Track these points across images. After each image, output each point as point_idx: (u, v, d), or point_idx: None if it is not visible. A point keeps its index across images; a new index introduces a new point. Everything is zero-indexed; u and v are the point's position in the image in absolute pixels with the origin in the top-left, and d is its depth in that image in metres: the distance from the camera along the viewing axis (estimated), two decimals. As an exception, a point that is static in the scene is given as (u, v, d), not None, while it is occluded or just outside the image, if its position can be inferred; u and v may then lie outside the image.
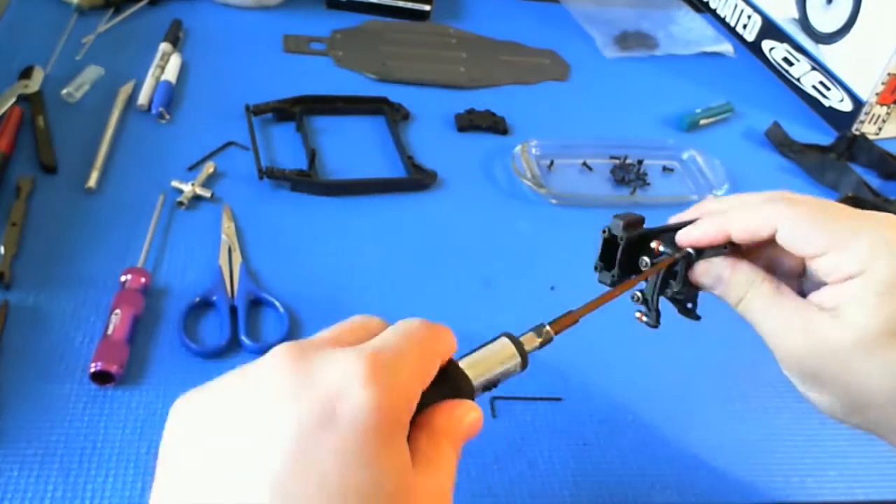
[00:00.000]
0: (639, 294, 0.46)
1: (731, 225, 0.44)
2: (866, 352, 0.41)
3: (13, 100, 0.75)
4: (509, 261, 0.70)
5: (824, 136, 0.96)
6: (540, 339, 0.40)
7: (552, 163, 0.82)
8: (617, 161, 0.83)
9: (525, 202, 0.77)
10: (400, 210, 0.73)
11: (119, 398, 0.53)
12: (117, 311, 0.56)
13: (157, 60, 0.84)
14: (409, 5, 1.03)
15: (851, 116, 0.95)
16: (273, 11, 1.00)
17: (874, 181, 0.89)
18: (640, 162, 0.83)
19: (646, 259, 0.45)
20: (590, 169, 0.83)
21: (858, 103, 0.94)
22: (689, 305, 0.47)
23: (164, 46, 0.86)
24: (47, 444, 0.50)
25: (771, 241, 0.44)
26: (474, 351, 0.38)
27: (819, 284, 0.43)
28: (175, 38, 0.89)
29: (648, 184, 0.82)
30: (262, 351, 0.58)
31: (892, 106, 0.94)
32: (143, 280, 0.59)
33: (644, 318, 0.46)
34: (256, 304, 0.61)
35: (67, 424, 0.51)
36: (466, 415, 0.35)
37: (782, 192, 0.45)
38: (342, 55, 0.94)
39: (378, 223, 0.71)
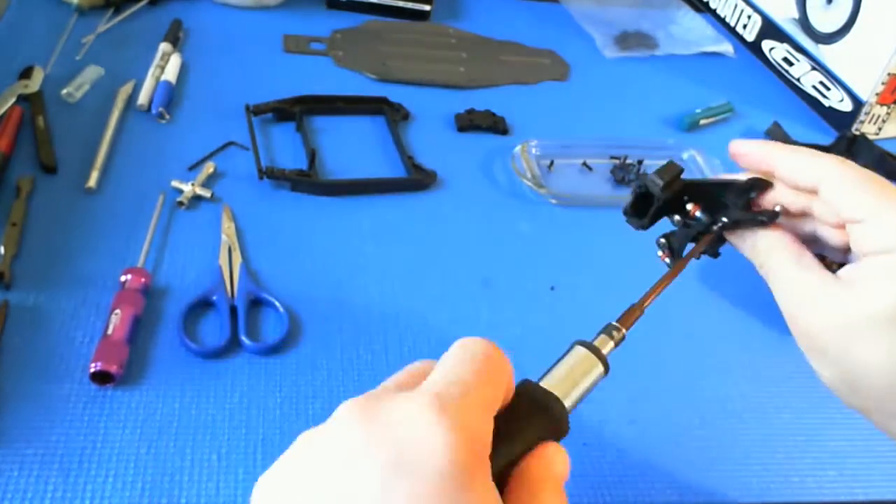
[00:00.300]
0: (663, 241, 0.46)
1: (777, 161, 0.43)
2: (876, 329, 0.39)
3: (13, 100, 0.75)
4: (509, 261, 0.70)
5: (824, 136, 0.96)
6: (613, 341, 0.39)
7: (552, 163, 0.82)
8: (617, 161, 0.83)
9: (525, 202, 0.77)
10: (400, 210, 0.73)
11: (119, 398, 0.53)
12: (117, 311, 0.56)
13: (157, 60, 0.84)
14: (409, 5, 1.03)
15: (851, 116, 0.95)
16: (273, 11, 1.00)
17: (874, 181, 0.89)
18: (640, 162, 0.83)
19: (677, 217, 0.45)
20: (590, 169, 0.83)
21: (858, 103, 0.94)
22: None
23: (164, 46, 0.86)
24: (47, 444, 0.50)
25: (807, 203, 0.43)
26: (551, 369, 0.37)
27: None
28: (175, 38, 0.89)
29: (648, 184, 0.82)
30: (262, 351, 0.58)
31: (892, 106, 0.94)
32: (143, 280, 0.59)
33: (667, 259, 0.46)
34: (256, 304, 0.61)
35: (67, 424, 0.51)
36: (561, 457, 0.33)
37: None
38: (342, 55, 0.94)
39: (378, 223, 0.71)
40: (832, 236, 0.43)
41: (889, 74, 0.91)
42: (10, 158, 0.69)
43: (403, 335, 0.61)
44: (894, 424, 0.42)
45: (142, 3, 0.94)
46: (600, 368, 0.37)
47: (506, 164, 0.80)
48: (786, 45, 1.05)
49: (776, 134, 0.92)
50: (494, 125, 0.85)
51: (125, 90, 0.80)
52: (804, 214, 0.44)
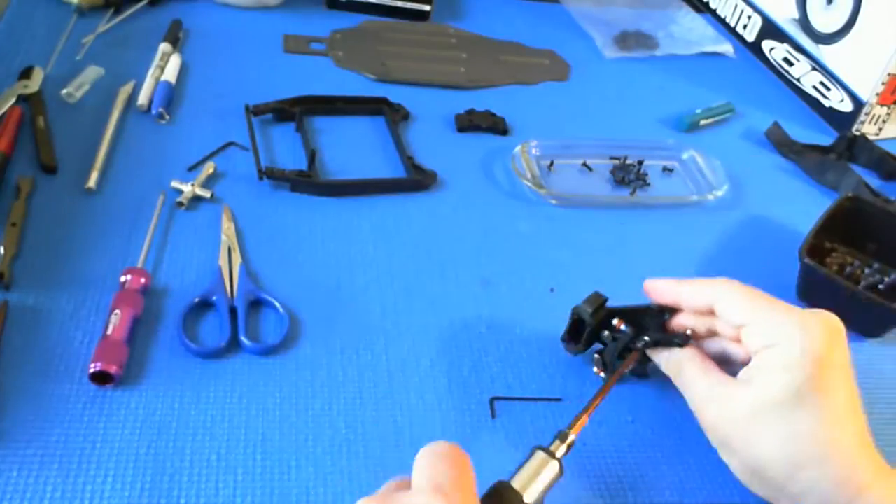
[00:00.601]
0: (597, 356, 0.58)
1: (680, 294, 0.54)
2: (767, 417, 0.46)
3: (13, 100, 0.75)
4: (509, 261, 0.70)
5: (824, 137, 0.96)
6: (566, 444, 0.47)
7: (552, 163, 0.82)
8: (617, 161, 0.83)
9: (525, 202, 0.77)
10: (400, 210, 0.73)
11: (119, 398, 0.53)
12: (117, 311, 0.56)
13: (156, 61, 0.84)
14: (409, 5, 1.03)
15: (851, 117, 0.95)
16: (273, 11, 1.00)
17: (874, 181, 0.89)
18: (640, 162, 0.83)
19: (606, 332, 0.56)
20: (590, 169, 0.83)
21: (859, 103, 0.94)
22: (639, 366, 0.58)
23: (164, 46, 0.86)
24: (47, 445, 0.50)
25: (712, 324, 0.53)
26: (518, 470, 0.45)
27: None
28: (175, 38, 0.89)
29: (648, 184, 0.82)
30: (261, 352, 0.58)
31: (892, 106, 0.94)
32: (143, 280, 0.59)
33: (601, 374, 0.58)
34: (256, 304, 0.61)
35: (67, 425, 0.51)
36: None
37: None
38: (342, 55, 0.94)
39: (378, 223, 0.71)
40: (736, 351, 0.52)
41: (889, 74, 0.91)
42: (10, 158, 0.69)
43: (403, 335, 0.61)
44: None
45: (142, 3, 0.94)
46: (556, 468, 0.46)
47: (506, 165, 0.80)
48: (786, 46, 1.05)
49: (776, 134, 0.92)
50: (494, 125, 0.85)
51: (125, 90, 0.80)
52: (711, 334, 0.54)
